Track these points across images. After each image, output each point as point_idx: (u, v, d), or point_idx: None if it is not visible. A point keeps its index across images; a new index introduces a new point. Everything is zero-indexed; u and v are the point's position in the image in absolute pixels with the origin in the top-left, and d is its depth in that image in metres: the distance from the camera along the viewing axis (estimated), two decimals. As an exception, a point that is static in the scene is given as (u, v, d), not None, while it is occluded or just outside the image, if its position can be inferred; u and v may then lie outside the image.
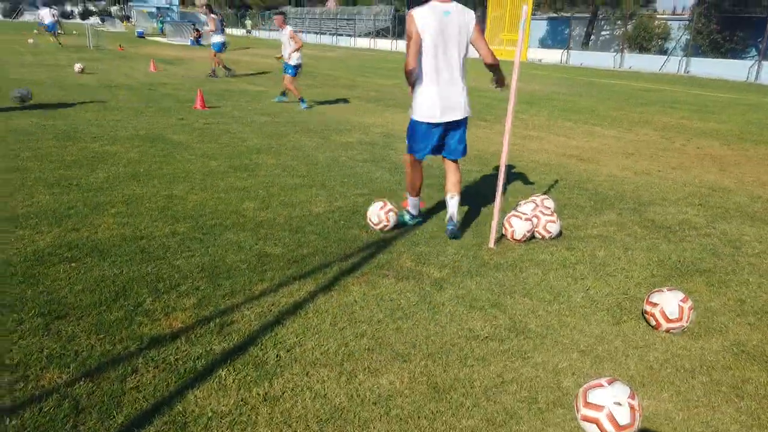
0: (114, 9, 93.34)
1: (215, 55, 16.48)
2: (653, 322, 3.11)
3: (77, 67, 15.16)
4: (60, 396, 2.26)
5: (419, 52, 3.92)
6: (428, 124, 4.10)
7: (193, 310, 3.01)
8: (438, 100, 4.02)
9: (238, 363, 2.58)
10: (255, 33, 61.83)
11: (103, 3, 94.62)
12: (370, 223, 4.39)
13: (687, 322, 3.07)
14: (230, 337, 2.79)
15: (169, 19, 62.95)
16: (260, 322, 2.94)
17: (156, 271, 3.45)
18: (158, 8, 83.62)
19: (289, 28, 10.46)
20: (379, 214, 4.34)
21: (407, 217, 4.59)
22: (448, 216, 4.35)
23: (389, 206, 4.37)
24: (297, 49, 10.47)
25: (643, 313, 3.20)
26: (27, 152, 6.17)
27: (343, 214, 4.73)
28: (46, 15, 29.97)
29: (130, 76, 15.20)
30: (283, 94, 11.48)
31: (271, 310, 3.07)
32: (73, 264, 3.47)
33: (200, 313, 2.99)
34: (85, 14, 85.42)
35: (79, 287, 3.18)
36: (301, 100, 10.89)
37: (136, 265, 3.52)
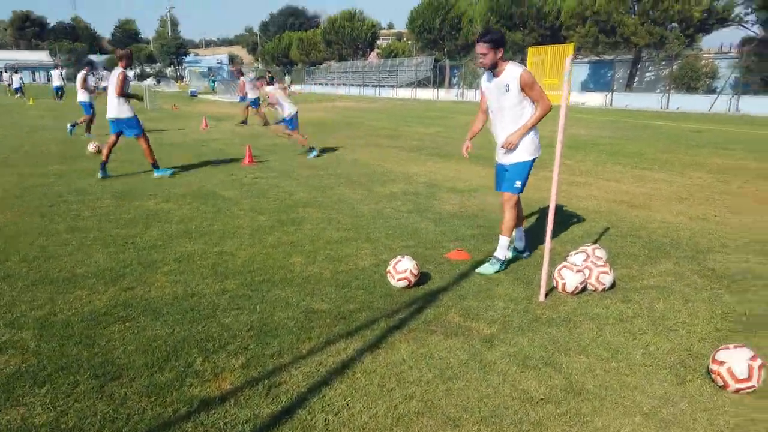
0: (168, 70, 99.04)
1: (257, 111, 18.22)
2: (720, 382, 2.92)
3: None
4: (112, 462, 2.27)
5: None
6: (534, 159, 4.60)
7: (242, 371, 3.01)
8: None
9: (286, 428, 2.54)
10: (294, 88, 64.30)
11: (159, 65, 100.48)
12: (409, 274, 4.18)
13: (758, 381, 2.86)
14: (278, 399, 2.76)
15: (219, 77, 66.34)
16: (308, 383, 2.91)
17: (206, 330, 3.49)
18: (209, 68, 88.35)
19: (268, 89, 11.65)
20: (416, 265, 4.26)
21: (497, 266, 4.59)
22: (523, 246, 5.02)
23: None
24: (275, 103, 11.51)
25: (710, 371, 3.01)
26: (87, 212, 6.47)
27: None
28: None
29: (184, 134, 15.89)
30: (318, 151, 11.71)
31: (318, 370, 3.04)
32: (127, 324, 3.55)
33: (248, 374, 2.99)
34: (142, 76, 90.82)
35: (132, 347, 3.24)
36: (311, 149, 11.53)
37: (186, 324, 3.57)
